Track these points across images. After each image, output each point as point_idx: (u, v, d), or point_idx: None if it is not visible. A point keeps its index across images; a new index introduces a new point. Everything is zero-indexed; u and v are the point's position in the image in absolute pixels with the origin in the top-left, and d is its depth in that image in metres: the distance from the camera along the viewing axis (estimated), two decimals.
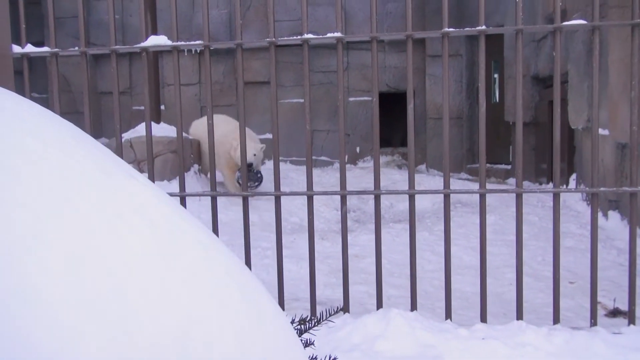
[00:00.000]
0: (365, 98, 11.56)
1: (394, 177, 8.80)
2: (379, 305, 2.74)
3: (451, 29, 2.46)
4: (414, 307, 2.70)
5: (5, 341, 0.64)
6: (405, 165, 11.33)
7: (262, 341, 1.01)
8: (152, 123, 3.64)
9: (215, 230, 2.66)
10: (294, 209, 6.50)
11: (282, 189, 6.04)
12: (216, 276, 1.01)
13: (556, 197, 2.54)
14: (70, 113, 11.04)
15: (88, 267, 0.76)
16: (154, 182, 2.70)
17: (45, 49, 2.75)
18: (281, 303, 2.76)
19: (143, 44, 2.64)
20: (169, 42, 2.64)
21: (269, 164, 11.03)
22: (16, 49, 2.71)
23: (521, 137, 2.49)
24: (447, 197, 2.57)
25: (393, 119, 12.40)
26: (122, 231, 0.85)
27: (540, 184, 8.50)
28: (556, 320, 2.74)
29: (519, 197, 2.55)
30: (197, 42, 2.68)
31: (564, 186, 7.26)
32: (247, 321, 0.99)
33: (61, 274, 0.73)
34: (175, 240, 0.98)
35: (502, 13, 9.44)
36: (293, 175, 8.73)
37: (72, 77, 11.40)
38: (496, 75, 10.59)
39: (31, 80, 2.81)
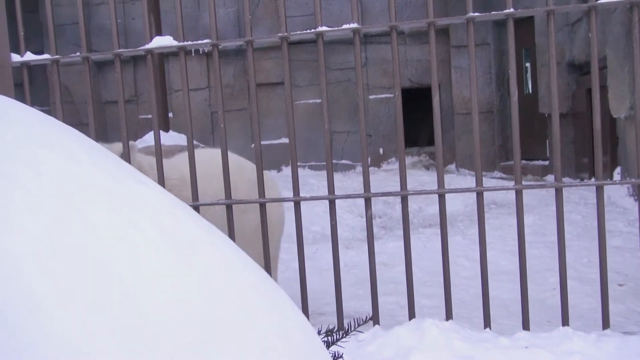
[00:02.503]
0: (387, 95, 11.54)
1: (422, 179, 8.77)
2: (412, 315, 2.73)
3: (476, 14, 2.45)
4: (449, 316, 2.69)
5: (14, 355, 0.65)
6: (433, 165, 11.27)
7: (289, 354, 1.01)
8: (161, 132, 3.68)
9: (232, 236, 2.67)
10: (315, 217, 6.51)
11: (302, 195, 6.05)
12: (238, 285, 1.02)
13: (599, 190, 2.51)
14: (74, 125, 11.19)
15: (99, 276, 0.77)
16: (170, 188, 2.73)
17: (46, 56, 2.80)
18: (306, 317, 2.77)
19: (148, 46, 2.67)
20: (175, 43, 2.67)
21: (287, 170, 11.07)
22: (15, 57, 2.76)
23: (558, 128, 2.47)
24: (480, 196, 2.56)
25: (418, 117, 12.36)
26: (135, 239, 0.86)
27: (582, 179, 8.40)
28: (606, 325, 2.70)
29: (558, 193, 2.52)
30: (205, 40, 2.71)
31: (608, 180, 7.17)
32: (272, 332, 0.99)
33: (71, 284, 0.74)
34: (191, 247, 0.99)
35: None
36: (313, 182, 8.74)
37: (74, 87, 11.57)
38: (528, 64, 10.51)
39: (32, 92, 2.86)
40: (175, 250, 0.92)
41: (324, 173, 10.05)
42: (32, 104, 2.86)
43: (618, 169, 7.10)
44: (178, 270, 0.89)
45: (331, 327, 1.99)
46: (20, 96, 2.70)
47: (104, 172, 1.00)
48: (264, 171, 2.96)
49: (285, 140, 11.42)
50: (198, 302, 0.87)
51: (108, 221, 0.84)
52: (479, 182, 2.52)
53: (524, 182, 2.51)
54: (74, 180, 0.88)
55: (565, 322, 2.67)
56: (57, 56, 2.75)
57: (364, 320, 1.83)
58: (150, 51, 2.67)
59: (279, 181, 9.08)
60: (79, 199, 0.85)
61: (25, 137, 0.93)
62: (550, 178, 9.24)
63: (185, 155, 3.44)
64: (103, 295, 0.75)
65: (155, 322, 0.77)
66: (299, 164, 11.24)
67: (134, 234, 0.85)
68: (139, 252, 0.83)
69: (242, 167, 3.04)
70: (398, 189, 2.71)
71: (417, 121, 12.48)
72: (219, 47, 2.63)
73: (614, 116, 6.68)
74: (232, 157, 3.22)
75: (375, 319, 2.73)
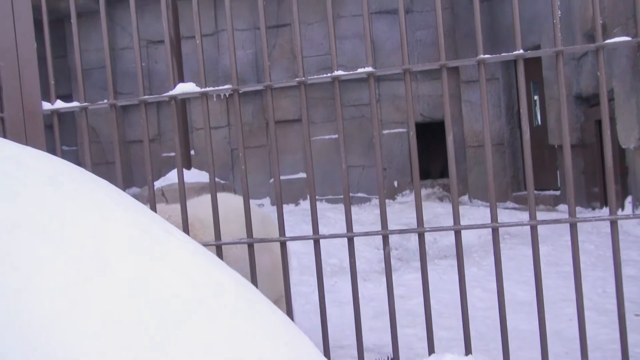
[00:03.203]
0: (400, 130, 11.57)
1: (436, 211, 8.71)
2: (431, 350, 2.68)
3: (487, 56, 2.45)
4: (468, 350, 2.63)
5: None
6: (446, 197, 11.22)
7: None
8: (183, 169, 3.70)
9: (253, 277, 2.66)
10: (333, 249, 6.47)
11: (320, 229, 6.04)
12: (259, 329, 1.01)
13: (614, 224, 2.47)
14: (100, 164, 11.36)
15: (128, 326, 0.76)
16: (188, 231, 2.73)
17: (75, 103, 2.84)
18: (326, 351, 2.73)
19: (171, 92, 2.70)
20: (197, 89, 2.69)
21: (305, 204, 11.07)
22: (46, 105, 2.81)
23: (570, 162, 2.45)
24: (495, 231, 2.52)
25: (430, 150, 12.36)
26: (160, 290, 0.86)
27: (593, 209, 8.30)
28: (625, 357, 2.63)
29: (573, 227, 2.48)
30: (226, 86, 2.74)
31: (620, 210, 7.07)
32: None
33: (102, 336, 0.73)
34: (214, 294, 0.98)
35: (538, 32, 9.41)
36: (330, 215, 8.72)
37: (100, 127, 11.75)
38: (536, 97, 10.50)
39: (60, 133, 2.90)
40: (200, 299, 0.91)
41: (341, 206, 10.06)
42: (61, 145, 2.90)
43: (629, 198, 7.01)
44: (204, 318, 0.88)
45: None
46: (50, 140, 2.74)
47: (132, 223, 1.00)
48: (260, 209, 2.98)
49: (302, 175, 11.44)
50: (224, 348, 0.85)
51: (136, 274, 0.84)
52: (494, 217, 2.49)
53: (536, 213, 2.47)
54: (104, 234, 0.88)
55: (584, 355, 2.60)
56: (86, 103, 2.79)
57: None
58: (174, 97, 2.70)
59: (297, 215, 9.09)
60: (108, 252, 0.85)
61: (54, 190, 0.94)
62: (561, 207, 9.14)
63: (200, 199, 3.45)
64: (132, 346, 0.74)
65: None
66: (316, 197, 11.24)
67: (160, 286, 0.85)
68: (167, 302, 0.83)
69: (252, 210, 3.04)
70: (413, 221, 2.69)
71: (430, 154, 12.48)
72: (240, 91, 2.66)
73: (623, 147, 6.62)
74: (238, 199, 3.22)
75: (395, 355, 2.68)
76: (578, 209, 8.42)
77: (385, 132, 11.56)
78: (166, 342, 0.80)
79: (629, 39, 2.39)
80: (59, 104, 2.82)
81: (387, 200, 10.90)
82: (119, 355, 0.74)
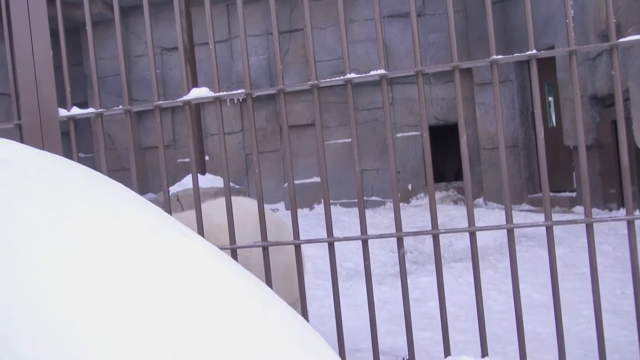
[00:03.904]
0: (414, 133, 11.54)
1: (451, 214, 8.67)
2: (447, 352, 2.66)
3: (500, 56, 2.44)
4: (484, 353, 2.61)
5: None
6: (461, 200, 11.16)
7: None
8: (198, 174, 3.71)
9: (268, 281, 2.66)
10: (348, 253, 6.46)
11: (335, 233, 6.03)
12: (275, 331, 1.01)
13: (630, 224, 2.44)
14: (116, 170, 11.45)
15: (144, 327, 0.77)
16: (204, 235, 2.74)
17: (91, 110, 2.87)
18: (342, 355, 2.72)
19: (185, 97, 2.72)
20: (211, 94, 2.71)
21: (319, 208, 11.06)
22: (62, 112, 2.84)
23: (585, 162, 2.43)
24: (510, 233, 2.51)
25: (445, 153, 12.31)
26: (177, 292, 0.86)
27: (610, 210, 8.21)
28: None
29: (589, 228, 2.46)
30: (239, 91, 2.75)
31: (637, 211, 6.99)
32: None
33: (117, 338, 0.74)
34: (230, 296, 0.98)
35: (552, 34, 9.35)
36: (344, 219, 8.71)
37: (116, 134, 11.84)
38: (550, 98, 10.42)
39: (76, 140, 2.93)
40: (216, 300, 0.91)
41: (355, 210, 10.05)
42: (77, 152, 2.93)
43: None
44: (220, 320, 0.88)
45: None
46: (67, 146, 2.77)
47: (147, 226, 1.01)
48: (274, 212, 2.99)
49: (316, 179, 11.45)
50: (241, 349, 0.86)
51: (153, 276, 0.84)
52: (509, 219, 2.47)
53: (552, 214, 2.46)
54: (120, 236, 0.89)
55: (602, 357, 2.57)
56: (101, 109, 2.82)
57: None
58: (188, 102, 2.71)
59: (311, 219, 9.09)
60: (125, 254, 0.86)
61: (72, 195, 0.95)
62: (578, 209, 9.05)
63: (214, 203, 3.46)
64: (148, 349, 0.75)
65: None
66: (330, 201, 11.23)
67: (177, 287, 0.85)
68: (182, 305, 0.83)
69: (266, 213, 3.04)
70: (428, 224, 2.68)
71: (444, 157, 12.43)
72: (253, 96, 2.67)
73: (639, 147, 6.55)
74: (253, 202, 3.24)
75: (410, 358, 2.67)
76: (595, 210, 8.34)
77: (399, 135, 11.54)
78: (180, 344, 0.81)
79: None
80: (75, 111, 2.85)
81: (401, 204, 10.87)
82: (134, 356, 0.75)
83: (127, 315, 0.77)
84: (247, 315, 0.96)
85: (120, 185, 1.21)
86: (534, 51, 2.39)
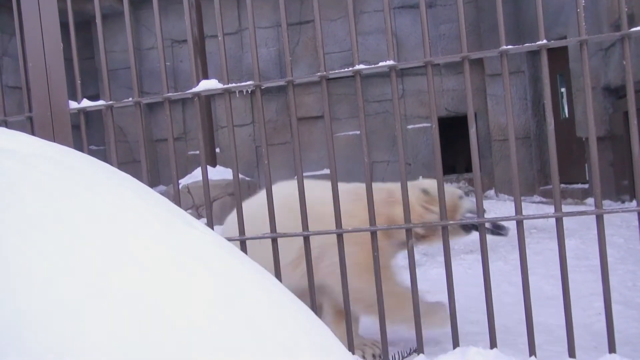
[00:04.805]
0: (425, 125, 11.50)
1: None
2: (456, 343, 2.67)
3: (510, 47, 2.43)
4: (493, 344, 2.61)
5: None
6: (472, 192, 11.12)
7: None
8: (208, 167, 3.73)
9: (277, 272, 2.67)
10: None
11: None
12: (280, 321, 1.02)
13: None
14: (127, 163, 11.52)
15: (150, 320, 0.78)
16: (213, 227, 2.75)
17: (101, 102, 2.89)
18: (351, 346, 2.73)
19: (194, 89, 2.73)
20: (220, 85, 2.72)
21: None
22: (73, 104, 2.86)
23: (596, 153, 2.41)
24: (520, 224, 2.50)
25: (455, 144, 12.26)
26: (183, 281, 0.87)
27: (623, 202, 8.15)
28: None
29: (599, 219, 2.45)
30: (248, 82, 2.76)
31: None
32: None
33: (123, 328, 0.75)
34: (236, 287, 0.99)
35: (564, 24, 9.26)
36: None
37: (127, 126, 11.90)
38: (563, 89, 10.34)
39: (87, 133, 2.95)
40: (222, 291, 0.92)
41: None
42: (88, 144, 2.95)
43: None
44: (226, 310, 0.89)
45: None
46: (77, 139, 2.79)
47: (154, 216, 1.01)
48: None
49: (326, 171, 11.46)
50: (245, 346, 0.86)
51: (158, 266, 0.85)
52: (518, 210, 2.47)
53: (564, 206, 2.44)
54: (127, 226, 0.90)
55: (612, 349, 2.56)
56: (111, 102, 2.84)
57: (408, 352, 1.80)
58: (197, 94, 2.73)
59: None
60: (131, 244, 0.87)
61: (79, 185, 0.96)
62: (590, 201, 8.99)
63: (318, 183, 3.32)
64: (153, 340, 0.75)
65: None
66: None
67: (183, 277, 0.86)
68: (188, 295, 0.84)
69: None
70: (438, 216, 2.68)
71: (455, 148, 12.38)
72: (262, 87, 2.67)
73: None
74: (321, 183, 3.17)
75: (419, 349, 2.67)
76: (607, 202, 8.28)
77: (409, 127, 11.51)
78: (188, 336, 0.81)
79: None
80: (86, 103, 2.87)
81: None
82: (140, 348, 0.75)
83: (132, 306, 0.78)
84: (251, 306, 0.96)
85: (129, 176, 1.21)
86: (544, 41, 2.38)
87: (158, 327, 0.77)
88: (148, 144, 11.69)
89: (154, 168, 12.21)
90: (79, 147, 2.50)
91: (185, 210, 6.87)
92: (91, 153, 2.70)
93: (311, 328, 1.09)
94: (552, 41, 2.38)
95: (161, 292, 0.82)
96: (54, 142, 2.80)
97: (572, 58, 9.11)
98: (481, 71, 11.08)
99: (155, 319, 0.79)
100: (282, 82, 2.71)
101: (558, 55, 9.28)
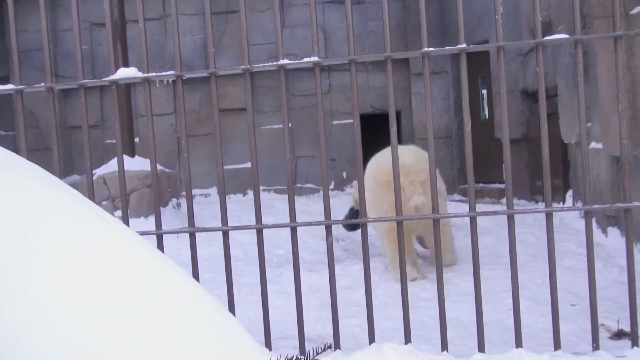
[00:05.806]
0: (350, 121, 11.64)
1: None
2: (372, 339, 2.74)
3: (431, 49, 2.52)
4: (407, 339, 2.71)
5: None
6: None
7: None
8: (126, 157, 3.63)
9: (195, 268, 2.66)
10: (280, 240, 6.49)
11: (267, 219, 6.04)
12: (191, 318, 1.02)
13: (549, 216, 2.58)
14: (39, 150, 11.01)
15: (53, 315, 0.77)
16: (128, 220, 2.70)
17: (10, 86, 2.77)
18: (268, 342, 2.75)
19: (112, 77, 2.67)
20: (140, 74, 2.67)
21: (252, 194, 11.04)
22: None
23: (509, 155, 2.54)
24: (436, 222, 2.60)
25: (380, 141, 12.46)
26: (90, 278, 0.86)
27: (537, 202, 8.57)
28: (557, 346, 2.75)
29: (510, 219, 2.58)
30: (169, 72, 2.72)
31: (561, 203, 7.34)
32: None
33: (22, 326, 0.73)
34: (146, 284, 0.98)
35: (487, 28, 9.61)
36: (278, 205, 8.72)
37: (39, 111, 11.38)
38: (484, 91, 10.74)
39: None
40: (132, 288, 0.92)
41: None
42: None
43: (570, 192, 7.27)
44: (133, 309, 0.89)
45: (292, 354, 1.98)
46: None
47: (63, 209, 0.99)
48: None
49: (249, 164, 11.40)
50: (155, 339, 0.86)
51: (63, 261, 0.84)
52: (435, 208, 2.57)
53: (482, 205, 2.56)
54: (33, 220, 0.88)
55: (518, 343, 2.71)
56: (22, 86, 2.73)
57: (322, 348, 1.83)
58: (115, 82, 2.66)
59: (244, 205, 9.04)
60: (34, 239, 0.85)
61: None
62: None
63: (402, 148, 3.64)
64: (57, 334, 0.74)
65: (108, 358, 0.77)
66: (264, 187, 11.23)
67: (88, 270, 0.85)
68: (95, 291, 0.83)
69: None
70: None
71: (379, 146, 12.59)
72: (183, 78, 2.64)
73: (565, 142, 6.87)
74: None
75: (336, 344, 2.73)
76: (522, 202, 8.68)
77: (335, 122, 11.63)
78: (97, 332, 0.81)
79: (567, 36, 2.49)
80: None
81: (335, 192, 10.97)
82: (49, 347, 0.74)
83: (30, 302, 0.76)
84: (163, 303, 0.96)
85: (37, 167, 1.18)
86: (464, 45, 2.48)
87: (58, 324, 0.76)
88: (62, 130, 11.23)
89: (68, 156, 11.74)
90: None
91: (100, 202, 6.67)
92: (0, 138, 2.58)
93: (220, 323, 1.10)
94: (472, 45, 2.49)
95: (65, 287, 0.81)
96: None
97: (493, 61, 9.48)
98: (407, 70, 11.33)
99: (57, 313, 0.77)
100: (204, 73, 2.69)
101: (480, 58, 9.63)
